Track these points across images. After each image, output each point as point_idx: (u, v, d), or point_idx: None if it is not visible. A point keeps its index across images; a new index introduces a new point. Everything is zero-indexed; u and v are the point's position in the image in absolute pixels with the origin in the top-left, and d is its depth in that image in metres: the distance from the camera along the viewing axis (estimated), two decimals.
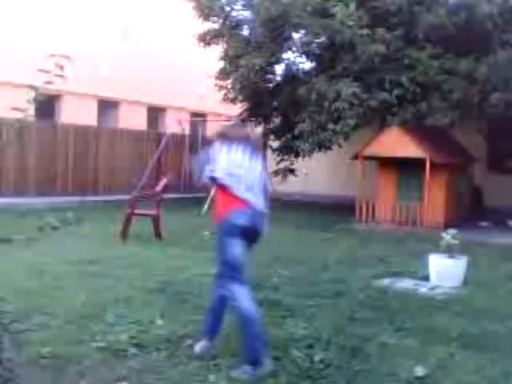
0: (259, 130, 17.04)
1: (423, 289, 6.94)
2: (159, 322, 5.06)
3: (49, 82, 3.39)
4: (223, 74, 15.18)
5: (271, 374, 4.03)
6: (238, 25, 15.49)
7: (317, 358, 4.27)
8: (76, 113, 17.30)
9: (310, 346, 4.55)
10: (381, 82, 12.83)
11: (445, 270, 7.12)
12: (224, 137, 4.34)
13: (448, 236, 7.06)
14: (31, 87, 3.48)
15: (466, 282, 7.13)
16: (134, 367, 4.09)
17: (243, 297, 4.07)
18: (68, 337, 4.62)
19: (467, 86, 12.25)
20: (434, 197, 12.58)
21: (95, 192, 16.64)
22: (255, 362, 3.98)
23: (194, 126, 20.67)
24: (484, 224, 13.55)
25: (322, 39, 13.76)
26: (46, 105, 15.20)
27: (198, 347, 4.36)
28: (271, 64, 14.71)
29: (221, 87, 15.43)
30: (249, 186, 4.21)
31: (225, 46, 15.32)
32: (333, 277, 7.22)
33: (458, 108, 12.59)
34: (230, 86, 15.19)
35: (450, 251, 7.09)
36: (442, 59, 12.61)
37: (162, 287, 6.30)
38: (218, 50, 15.63)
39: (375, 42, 12.46)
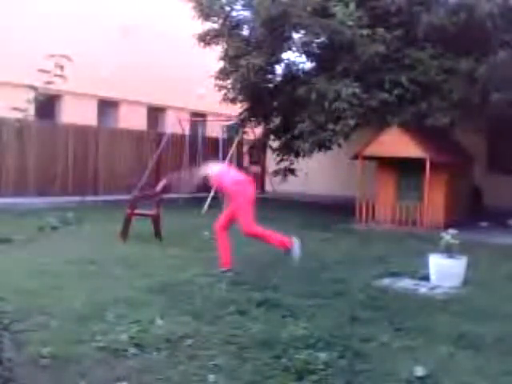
0: (259, 129, 17.08)
1: (423, 289, 6.94)
2: (159, 322, 5.06)
3: (49, 82, 3.39)
4: (223, 74, 15.17)
5: (270, 374, 4.04)
6: (238, 25, 15.48)
7: (317, 358, 4.27)
8: (76, 113, 17.30)
9: (310, 346, 4.55)
10: (381, 82, 12.83)
11: (445, 270, 7.12)
12: None
13: (448, 236, 7.06)
14: (31, 87, 3.48)
15: (465, 282, 7.13)
16: (134, 367, 4.09)
17: None
18: (68, 337, 4.62)
19: (467, 86, 12.24)
20: (434, 197, 12.58)
21: (95, 192, 16.64)
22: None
23: (194, 125, 20.68)
24: (484, 224, 13.54)
25: (322, 39, 13.75)
26: (46, 105, 15.20)
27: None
28: (271, 64, 14.70)
29: (221, 87, 15.42)
30: None
31: (225, 46, 15.31)
32: (333, 277, 7.21)
33: (457, 108, 12.59)
34: (230, 86, 15.18)
35: (449, 251, 7.09)
36: (442, 59, 12.61)
37: (161, 287, 6.30)
38: (217, 50, 15.62)
39: (375, 42, 12.46)
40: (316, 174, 19.26)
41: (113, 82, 17.94)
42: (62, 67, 3.42)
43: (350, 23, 12.36)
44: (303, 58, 15.08)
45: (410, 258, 8.67)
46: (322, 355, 4.32)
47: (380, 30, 12.46)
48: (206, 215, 13.45)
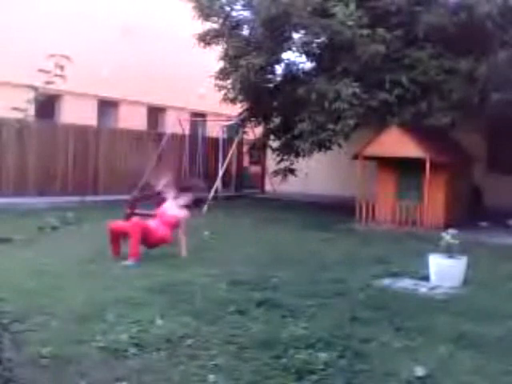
0: (259, 129, 17.08)
1: (423, 289, 6.94)
2: (159, 322, 5.06)
3: (49, 82, 3.39)
4: (223, 74, 15.17)
5: (270, 374, 4.04)
6: (238, 25, 15.48)
7: (317, 358, 4.27)
8: (76, 113, 17.30)
9: (310, 346, 4.55)
10: (381, 82, 12.83)
11: (445, 270, 7.13)
12: None
13: (448, 236, 7.06)
14: (31, 87, 3.48)
15: (465, 282, 7.13)
16: (134, 367, 4.09)
17: None
18: (68, 337, 4.61)
19: (467, 86, 12.25)
20: (434, 197, 12.58)
21: (95, 192, 16.64)
22: None
23: (194, 125, 20.68)
24: (484, 224, 13.52)
25: (322, 39, 13.76)
26: (46, 105, 15.20)
27: None
28: (271, 64, 14.71)
29: (221, 87, 15.42)
30: None
31: (225, 46, 15.32)
32: (333, 277, 7.21)
33: (458, 108, 12.59)
34: (230, 86, 15.18)
35: (449, 251, 7.09)
36: (442, 59, 12.61)
37: (161, 287, 6.30)
38: (217, 50, 15.62)
39: (375, 42, 12.46)
40: (316, 174, 19.26)
41: (113, 82, 17.94)
42: (62, 67, 3.42)
43: (350, 23, 12.35)
44: (303, 58, 15.08)
45: (410, 258, 8.67)
46: (322, 355, 4.32)
47: (380, 30, 12.46)
48: (207, 215, 13.46)
